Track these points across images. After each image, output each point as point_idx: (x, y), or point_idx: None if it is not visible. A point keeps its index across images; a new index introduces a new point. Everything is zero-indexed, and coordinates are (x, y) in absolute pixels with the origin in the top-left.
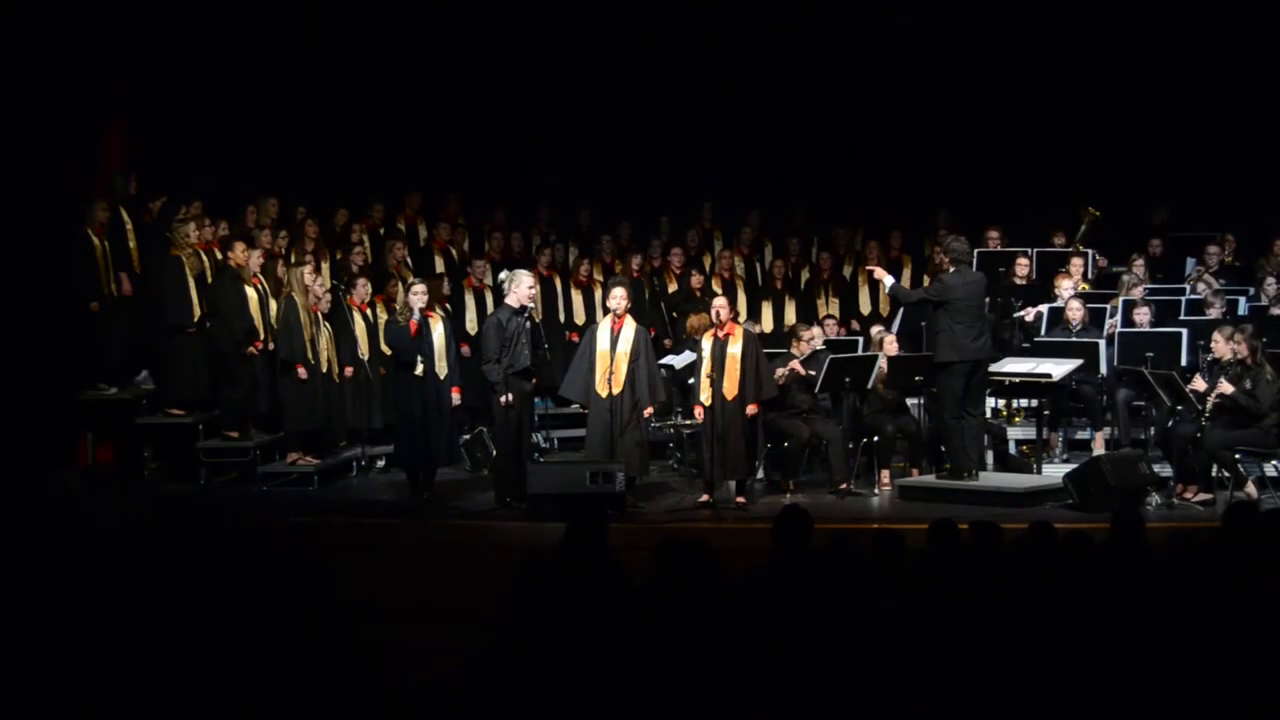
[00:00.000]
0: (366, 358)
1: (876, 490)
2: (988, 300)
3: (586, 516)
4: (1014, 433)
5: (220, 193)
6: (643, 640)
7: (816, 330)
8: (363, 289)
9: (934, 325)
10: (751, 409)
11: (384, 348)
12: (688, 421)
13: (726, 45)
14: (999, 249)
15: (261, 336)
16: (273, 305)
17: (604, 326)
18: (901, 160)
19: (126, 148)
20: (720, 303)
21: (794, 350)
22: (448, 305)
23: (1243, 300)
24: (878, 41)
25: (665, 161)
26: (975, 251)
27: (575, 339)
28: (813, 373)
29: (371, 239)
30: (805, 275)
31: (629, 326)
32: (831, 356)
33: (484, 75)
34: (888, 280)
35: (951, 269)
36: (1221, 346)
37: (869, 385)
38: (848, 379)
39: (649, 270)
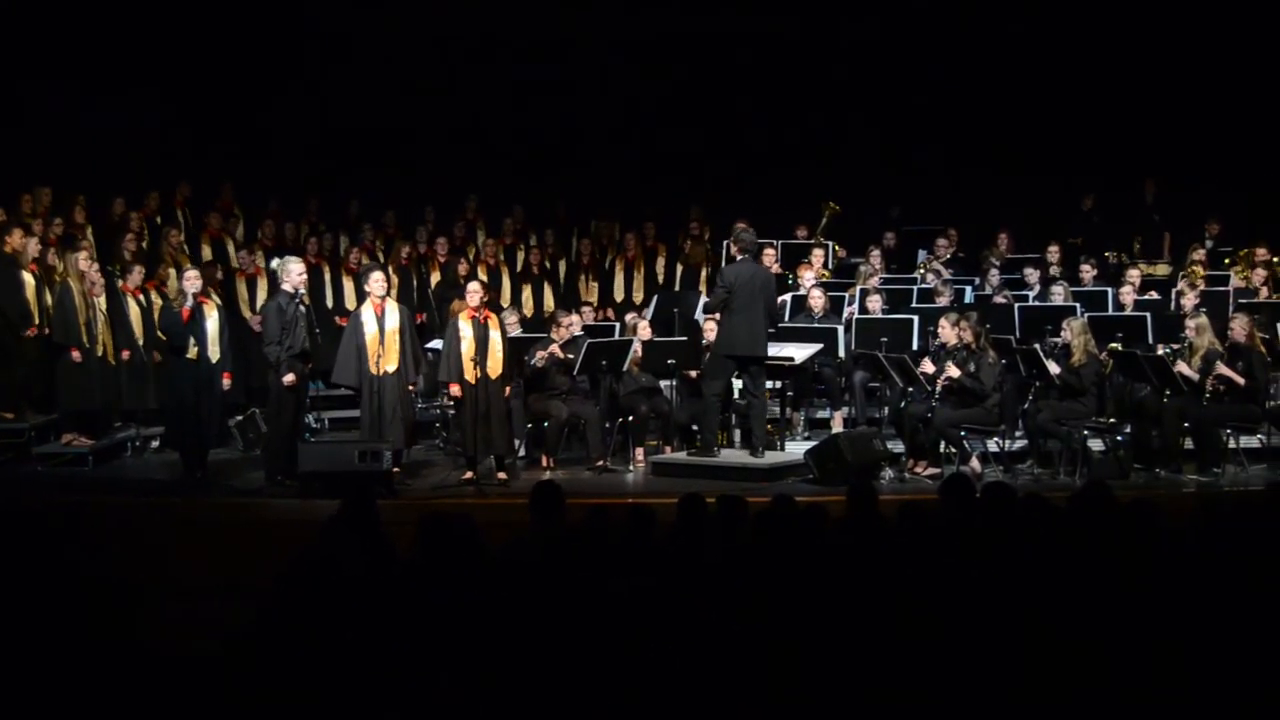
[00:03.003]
0: (141, 342)
1: (631, 467)
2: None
3: (355, 493)
4: None
5: None
6: (409, 611)
7: (575, 316)
8: (136, 275)
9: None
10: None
11: (159, 332)
12: (450, 401)
13: (494, 42)
14: None
15: (37, 321)
16: (48, 290)
17: (367, 310)
18: (655, 155)
19: None
20: (474, 287)
21: (553, 335)
22: (222, 291)
23: (969, 289)
24: (632, 41)
25: (431, 153)
26: (724, 243)
27: (345, 323)
28: (571, 356)
29: (148, 226)
30: (564, 264)
31: (391, 307)
32: (589, 341)
33: (257, 67)
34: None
35: (739, 258)
36: (948, 332)
37: (624, 368)
38: (604, 362)
39: (415, 258)
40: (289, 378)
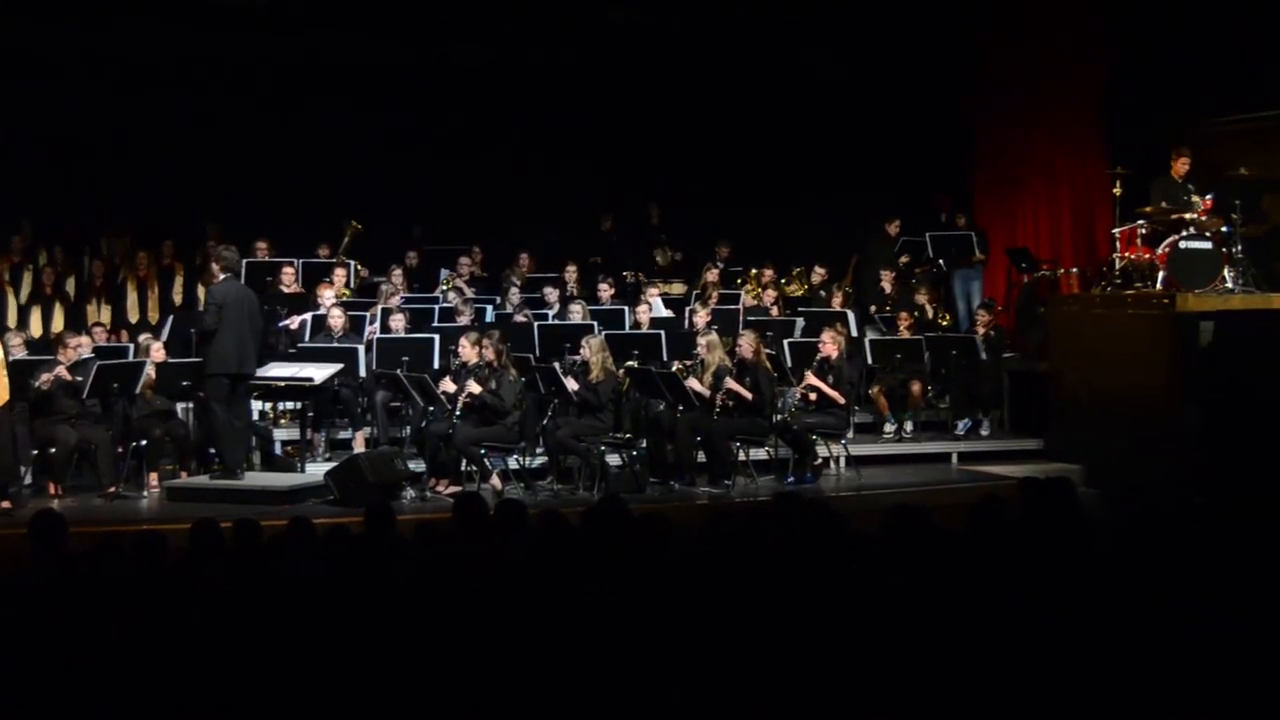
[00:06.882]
0: None
1: (146, 492)
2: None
3: None
4: (279, 434)
5: None
6: None
7: (84, 338)
8: None
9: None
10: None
11: None
12: None
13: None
14: (267, 259)
15: None
16: None
17: None
18: (174, 170)
19: None
20: None
21: (60, 357)
22: None
23: (490, 308)
24: (146, 58)
25: None
26: (244, 261)
27: None
28: (79, 378)
29: None
30: (74, 283)
31: None
32: (99, 363)
33: None
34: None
35: (222, 277)
36: (469, 351)
37: (137, 390)
38: (116, 384)
39: None
40: None
